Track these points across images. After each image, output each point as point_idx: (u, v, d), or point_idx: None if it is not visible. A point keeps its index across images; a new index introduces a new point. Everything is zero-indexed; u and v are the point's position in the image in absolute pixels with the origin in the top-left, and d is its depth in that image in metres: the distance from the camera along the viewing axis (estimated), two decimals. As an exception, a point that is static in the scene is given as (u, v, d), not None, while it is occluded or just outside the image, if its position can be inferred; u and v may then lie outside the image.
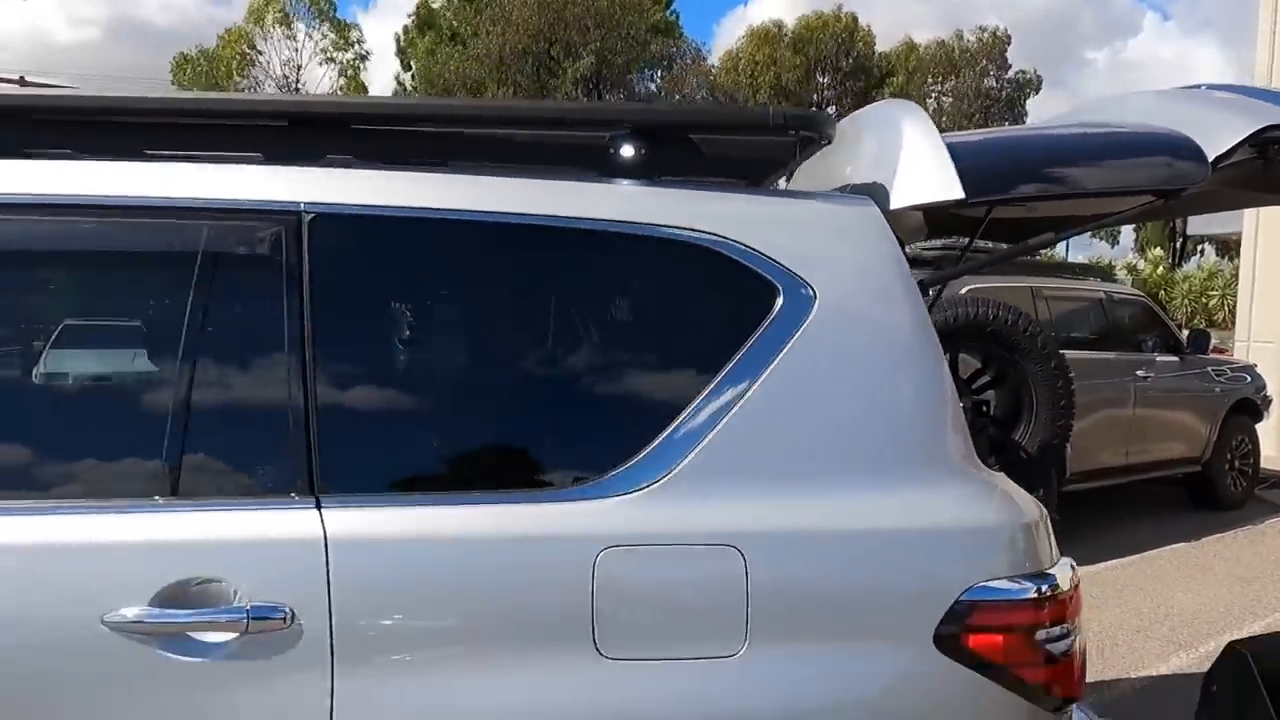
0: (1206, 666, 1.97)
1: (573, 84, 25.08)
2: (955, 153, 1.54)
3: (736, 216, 1.49)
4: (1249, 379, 7.55)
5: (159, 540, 1.28)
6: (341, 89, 28.22)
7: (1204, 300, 21.36)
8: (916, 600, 1.34)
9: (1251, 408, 7.38)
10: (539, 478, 1.39)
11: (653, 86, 26.86)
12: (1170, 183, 1.56)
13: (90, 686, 1.25)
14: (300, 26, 27.49)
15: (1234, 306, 18.45)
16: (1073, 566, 1.46)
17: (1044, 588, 1.38)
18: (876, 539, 1.36)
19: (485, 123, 1.58)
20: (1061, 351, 2.50)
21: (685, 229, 1.47)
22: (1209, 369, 7.11)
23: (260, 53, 27.50)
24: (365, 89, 29.30)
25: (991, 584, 1.36)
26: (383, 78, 32.14)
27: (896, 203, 1.56)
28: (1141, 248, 29.31)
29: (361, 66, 28.99)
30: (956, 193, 1.52)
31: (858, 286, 1.47)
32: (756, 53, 30.81)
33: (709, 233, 1.47)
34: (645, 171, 1.54)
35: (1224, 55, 56.94)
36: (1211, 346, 7.93)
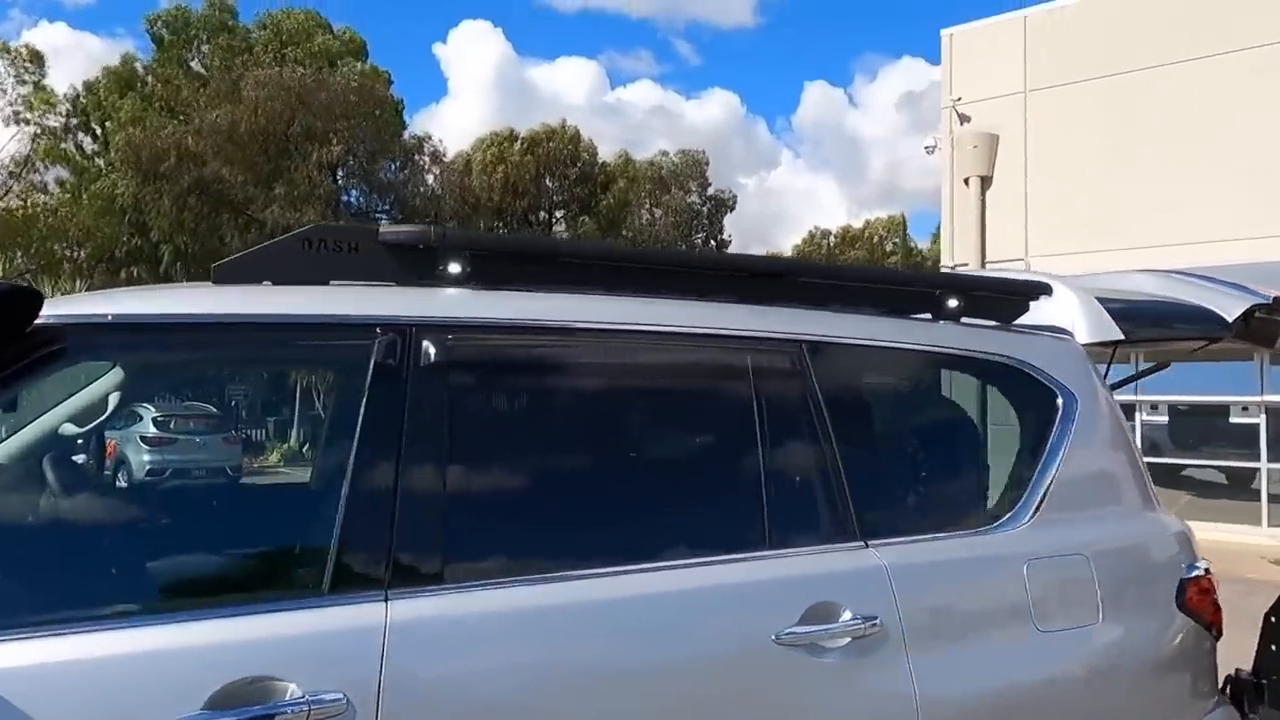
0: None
1: (315, 169, 24.30)
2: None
3: (1025, 347, 2.35)
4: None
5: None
6: (35, 153, 24.60)
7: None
8: (1168, 580, 2.25)
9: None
10: (978, 519, 2.11)
11: (399, 178, 26.87)
12: (1216, 334, 2.74)
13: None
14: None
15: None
16: (1203, 558, 2.46)
17: (1206, 567, 2.36)
18: (1145, 545, 2.26)
19: (869, 280, 2.30)
20: None
21: (1003, 355, 2.31)
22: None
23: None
24: (67, 157, 25.81)
25: (1192, 567, 2.31)
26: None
27: (1083, 339, 2.52)
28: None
29: (59, 127, 25.53)
30: (1118, 335, 2.53)
31: (1088, 389, 2.39)
32: (486, 154, 32.21)
33: (1014, 357, 2.32)
34: (956, 315, 2.35)
35: (840, 190, 70.34)
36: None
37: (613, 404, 1.89)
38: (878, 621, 1.82)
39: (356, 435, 1.57)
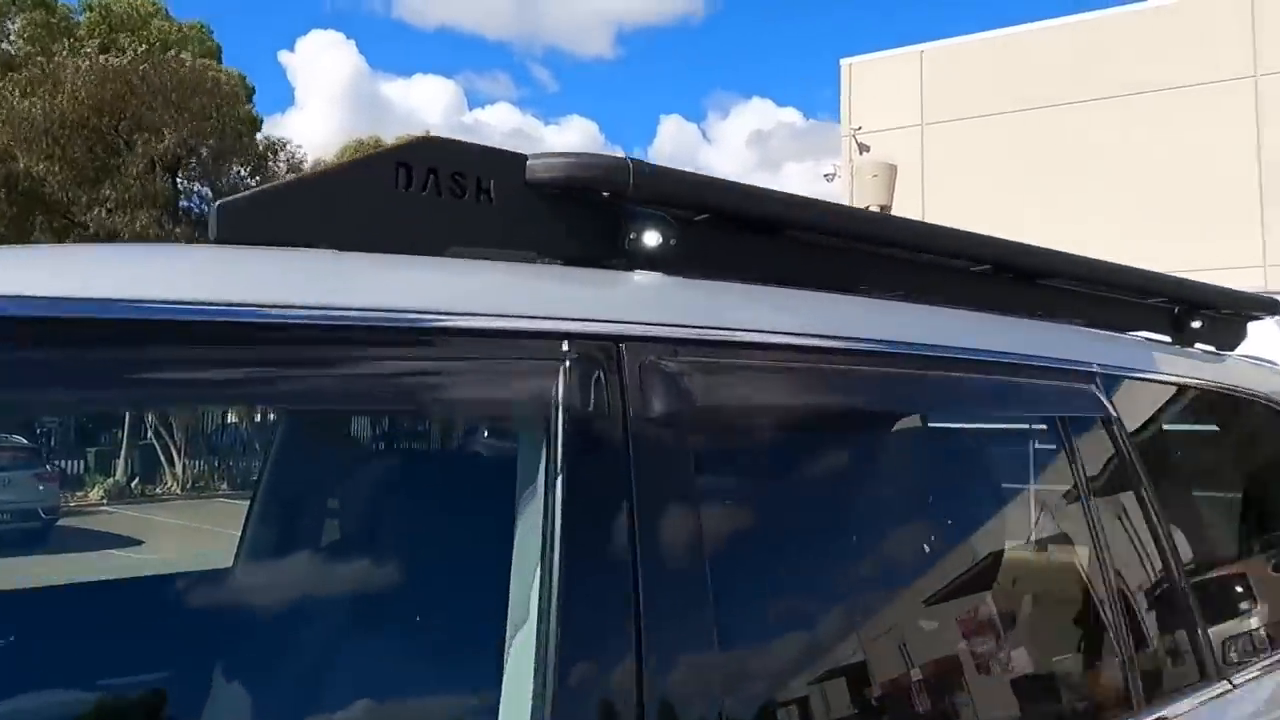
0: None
1: (146, 167, 21.78)
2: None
3: (1258, 380, 1.82)
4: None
5: None
6: None
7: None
8: None
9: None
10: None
11: (249, 183, 24.61)
12: None
13: None
14: None
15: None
16: None
17: None
18: None
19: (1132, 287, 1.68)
20: None
21: (1261, 393, 1.76)
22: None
23: None
24: None
25: None
26: None
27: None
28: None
29: None
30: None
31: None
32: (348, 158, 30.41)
33: (1272, 395, 1.77)
34: (1194, 340, 1.78)
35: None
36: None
37: (914, 473, 1.16)
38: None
39: (552, 517, 0.76)
